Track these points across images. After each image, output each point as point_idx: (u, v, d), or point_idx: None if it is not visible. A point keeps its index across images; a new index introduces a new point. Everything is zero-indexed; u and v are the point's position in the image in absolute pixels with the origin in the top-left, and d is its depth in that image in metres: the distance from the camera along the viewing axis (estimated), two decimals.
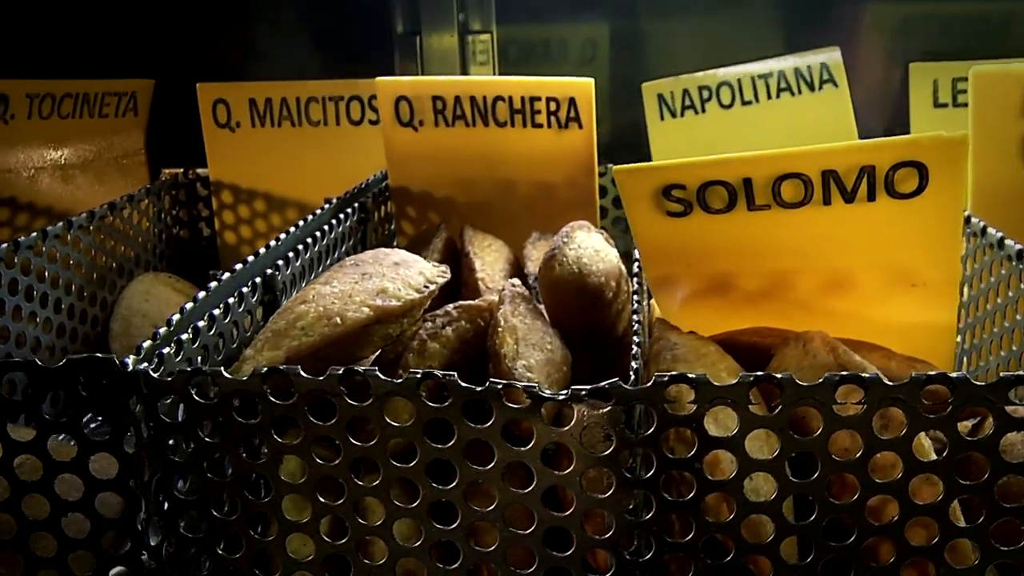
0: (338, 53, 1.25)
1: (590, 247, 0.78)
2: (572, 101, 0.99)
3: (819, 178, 0.68)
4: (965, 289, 0.86)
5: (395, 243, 1.07)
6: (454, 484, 0.57)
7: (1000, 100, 0.91)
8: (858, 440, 0.54)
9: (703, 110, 1.12)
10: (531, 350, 0.70)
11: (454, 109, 1.01)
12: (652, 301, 0.80)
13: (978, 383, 0.53)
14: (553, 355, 0.71)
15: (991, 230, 0.81)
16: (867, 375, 0.53)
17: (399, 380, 0.56)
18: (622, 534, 0.57)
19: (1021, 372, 0.52)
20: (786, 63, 1.12)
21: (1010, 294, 0.78)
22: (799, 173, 0.68)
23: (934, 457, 0.54)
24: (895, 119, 1.17)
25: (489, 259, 0.93)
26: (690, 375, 0.54)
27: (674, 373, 0.54)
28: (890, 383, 0.53)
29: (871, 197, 0.68)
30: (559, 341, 0.73)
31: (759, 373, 0.54)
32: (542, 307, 0.78)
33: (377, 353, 0.73)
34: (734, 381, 0.53)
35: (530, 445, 0.56)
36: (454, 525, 0.58)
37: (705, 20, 1.31)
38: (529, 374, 0.67)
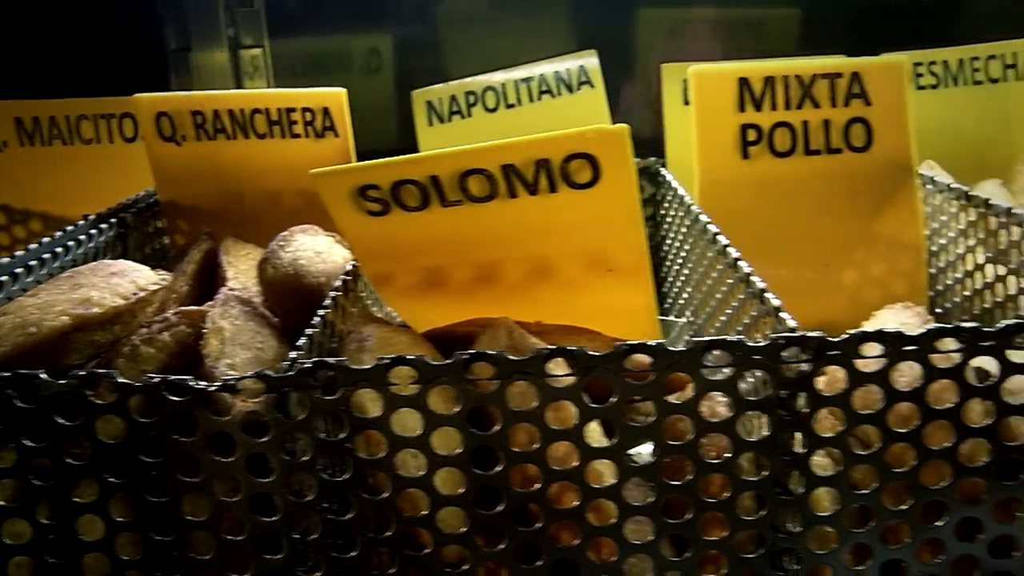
0: (111, 71, 1.25)
1: (311, 249, 0.81)
2: (326, 111, 1.02)
3: (500, 173, 0.72)
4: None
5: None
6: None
7: (718, 97, 0.96)
8: (534, 433, 0.58)
9: (469, 115, 1.16)
10: (238, 349, 0.72)
11: (214, 123, 1.03)
12: None
13: (674, 349, 0.57)
14: (263, 353, 0.74)
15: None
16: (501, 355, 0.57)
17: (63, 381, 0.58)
18: (291, 518, 0.60)
19: (726, 337, 0.57)
20: (547, 67, 1.17)
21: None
22: (481, 169, 0.72)
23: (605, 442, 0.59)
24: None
25: (244, 267, 0.95)
26: (330, 360, 0.57)
27: (317, 360, 0.57)
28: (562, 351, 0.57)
29: (553, 188, 0.73)
30: (275, 340, 0.76)
31: (397, 356, 0.57)
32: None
33: (94, 360, 0.74)
34: (370, 365, 0.57)
35: (195, 437, 0.59)
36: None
37: (483, 27, 1.36)
38: (232, 372, 0.70)
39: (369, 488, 0.60)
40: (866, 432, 0.60)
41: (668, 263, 1.10)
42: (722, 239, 0.84)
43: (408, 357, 0.57)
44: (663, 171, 1.15)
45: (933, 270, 1.04)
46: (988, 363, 0.59)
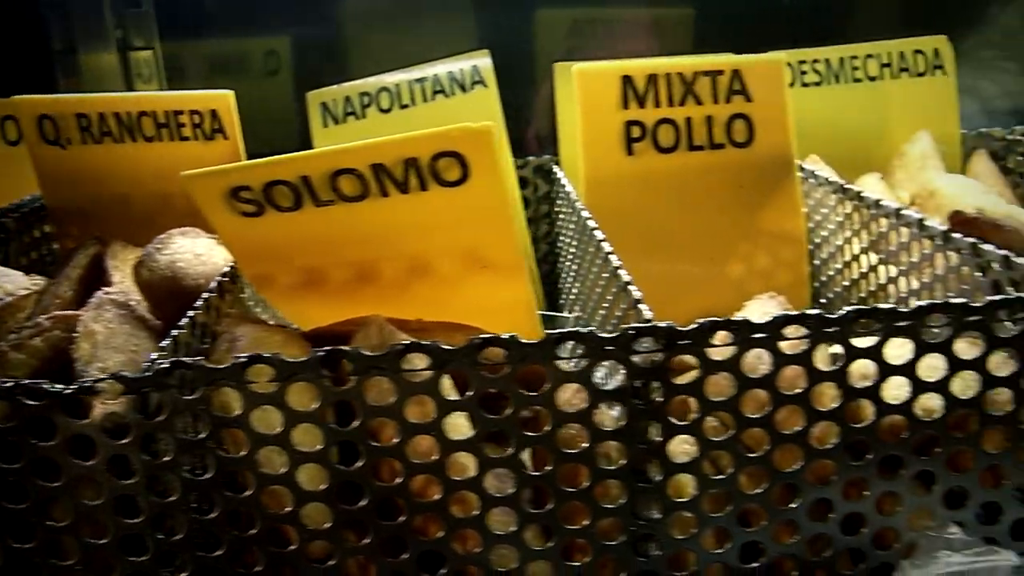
0: None
1: (190, 252, 0.81)
2: (214, 113, 1.02)
3: (370, 172, 0.73)
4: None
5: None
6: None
7: (602, 95, 0.98)
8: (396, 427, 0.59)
9: (364, 116, 1.16)
10: (111, 353, 0.72)
11: (100, 126, 1.02)
12: None
13: (527, 342, 0.58)
14: (139, 356, 0.73)
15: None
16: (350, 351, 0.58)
17: None
18: (156, 519, 0.60)
19: (579, 329, 0.58)
20: (441, 68, 1.18)
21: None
22: (351, 169, 0.73)
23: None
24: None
25: (131, 271, 0.95)
26: (187, 360, 0.57)
27: (174, 360, 0.57)
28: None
29: (423, 187, 0.73)
30: (152, 343, 0.76)
31: (254, 354, 0.58)
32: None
33: None
34: (227, 364, 0.57)
35: (55, 441, 0.59)
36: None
37: (385, 28, 1.36)
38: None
39: (234, 486, 0.60)
40: (726, 419, 0.62)
41: (562, 259, 1.12)
42: (598, 234, 0.85)
43: (264, 355, 0.57)
44: (556, 169, 1.16)
45: (817, 261, 1.07)
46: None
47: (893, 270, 0.92)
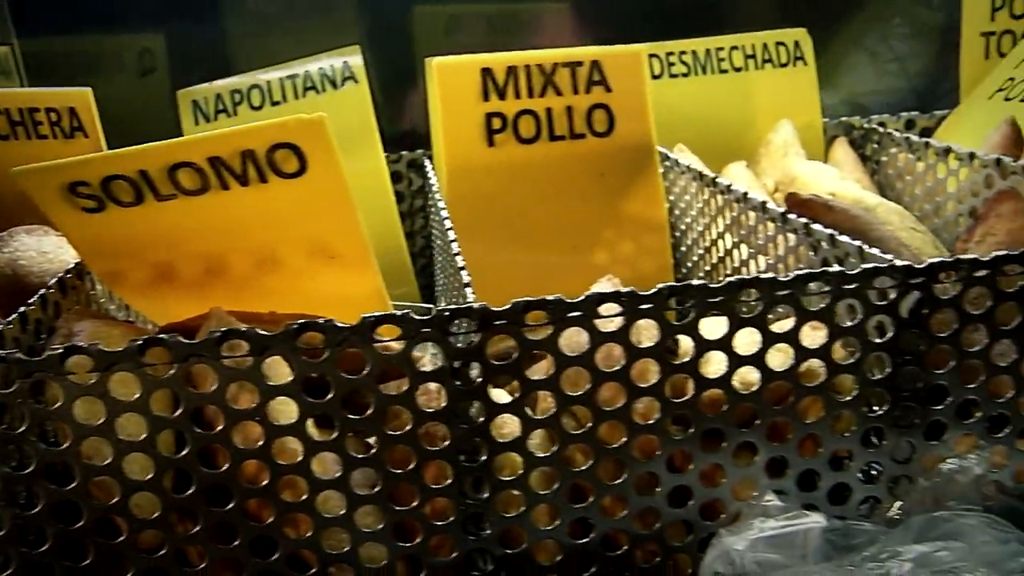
0: None
1: (34, 250, 0.81)
2: (73, 111, 1.01)
3: (208, 165, 0.73)
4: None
5: None
6: None
7: (462, 88, 0.99)
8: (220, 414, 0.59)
9: (235, 113, 1.16)
10: None
11: None
12: None
13: (344, 325, 0.59)
14: None
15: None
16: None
17: None
18: None
19: (394, 312, 0.59)
20: (312, 65, 1.18)
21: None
22: (189, 162, 0.73)
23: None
24: None
25: None
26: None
27: None
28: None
29: (263, 179, 0.74)
30: None
31: (71, 344, 0.58)
32: None
33: None
34: (44, 356, 0.57)
35: None
36: None
37: (262, 25, 1.36)
38: None
39: (61, 479, 0.60)
40: (551, 399, 0.63)
41: (434, 252, 1.13)
42: (447, 222, 0.86)
43: (81, 345, 0.57)
44: (426, 163, 1.17)
45: (684, 248, 1.10)
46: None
47: (746, 251, 0.94)
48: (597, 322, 0.61)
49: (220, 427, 0.60)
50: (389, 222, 1.13)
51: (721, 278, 0.98)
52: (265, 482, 0.61)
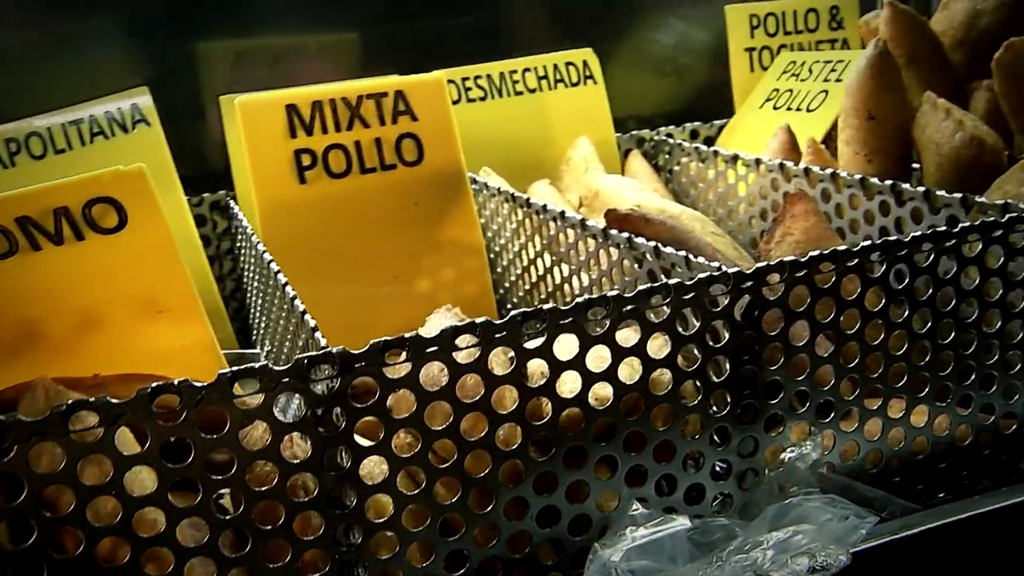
0: None
1: None
2: None
3: (16, 227, 0.68)
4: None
5: None
6: None
7: (268, 126, 0.97)
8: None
9: (13, 164, 1.08)
10: None
11: None
12: None
13: (200, 384, 0.56)
14: None
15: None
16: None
17: None
18: None
19: (253, 365, 0.56)
20: (98, 108, 1.12)
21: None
22: None
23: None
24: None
25: None
26: None
27: None
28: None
29: (79, 237, 0.70)
30: None
31: None
32: None
33: None
34: None
35: None
36: None
37: (32, 66, 1.28)
38: None
39: None
40: (416, 434, 0.63)
41: (248, 295, 1.09)
42: (273, 265, 0.84)
43: None
44: (232, 204, 1.14)
45: (499, 269, 1.11)
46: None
47: (566, 269, 0.97)
48: (454, 354, 0.62)
49: (71, 507, 0.56)
50: (197, 267, 1.09)
51: (544, 296, 1.01)
52: (126, 559, 0.58)
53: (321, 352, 0.59)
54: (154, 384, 0.56)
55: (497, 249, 1.11)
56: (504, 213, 1.08)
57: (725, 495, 0.72)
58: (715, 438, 0.71)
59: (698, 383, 0.69)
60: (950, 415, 0.78)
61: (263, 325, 1.00)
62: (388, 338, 0.60)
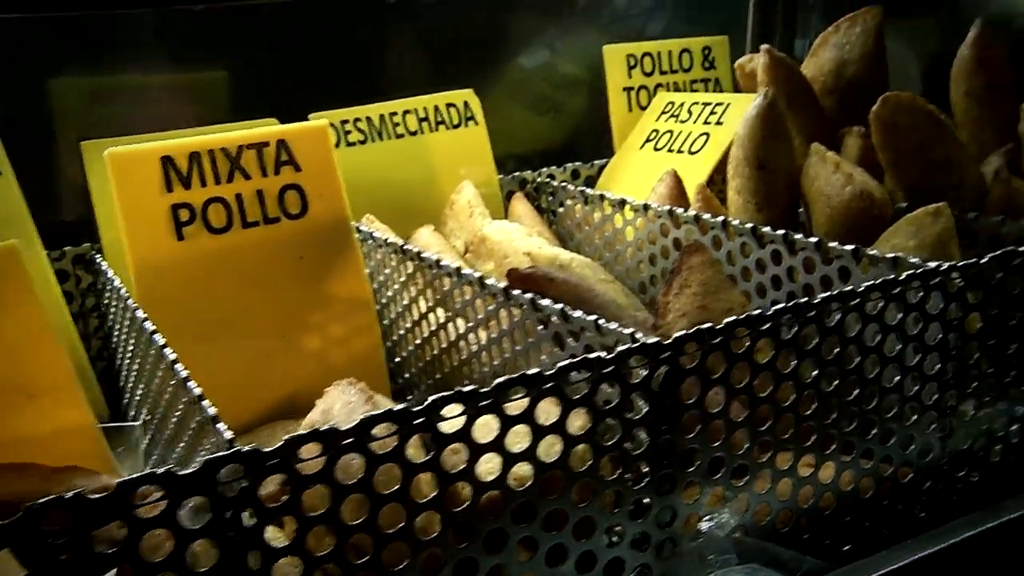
0: None
1: None
2: None
3: None
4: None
5: None
6: None
7: (142, 179, 0.91)
8: None
9: None
10: None
11: None
12: None
13: (95, 498, 0.51)
14: None
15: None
16: None
17: None
18: None
19: (155, 471, 0.51)
20: None
21: None
22: None
23: None
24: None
25: None
26: None
27: None
28: None
29: None
30: None
31: None
32: None
33: None
34: None
35: None
36: None
37: None
38: None
39: None
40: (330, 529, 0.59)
41: (118, 358, 1.02)
42: (148, 326, 0.79)
43: None
44: (98, 258, 1.07)
45: (387, 321, 1.08)
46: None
47: (462, 325, 0.94)
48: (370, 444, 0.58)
49: None
50: (61, 326, 1.01)
51: (437, 351, 0.98)
52: None
53: (230, 453, 0.54)
54: (43, 501, 0.50)
55: (384, 301, 1.07)
56: (392, 265, 1.04)
57: (644, 567, 0.71)
58: (634, 510, 0.69)
59: (618, 456, 0.67)
60: (854, 469, 0.79)
61: (139, 391, 0.94)
62: (301, 432, 0.56)
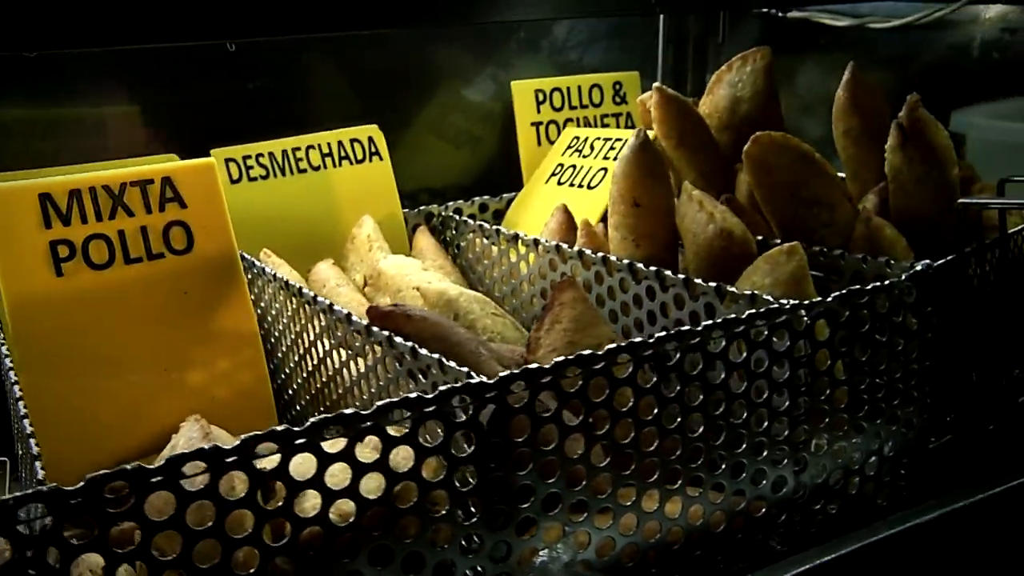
0: None
1: None
2: None
3: None
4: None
5: None
6: None
7: (19, 215, 0.92)
8: None
9: None
10: None
11: None
12: None
13: None
14: None
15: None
16: None
17: None
18: None
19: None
20: None
21: None
22: None
23: None
24: None
25: None
26: None
27: None
28: None
29: None
30: None
31: None
32: None
33: None
34: None
35: None
36: None
37: None
38: None
39: None
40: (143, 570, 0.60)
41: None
42: (6, 362, 0.80)
43: None
44: None
45: (279, 355, 1.09)
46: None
47: (344, 354, 0.95)
48: (183, 482, 0.60)
49: None
50: None
51: (320, 383, 1.00)
52: None
53: (30, 493, 0.55)
54: None
55: (276, 336, 1.09)
56: (281, 300, 1.06)
57: None
58: (465, 544, 0.71)
59: (447, 492, 0.69)
60: (703, 503, 0.80)
61: (15, 427, 0.95)
62: (107, 471, 0.57)
